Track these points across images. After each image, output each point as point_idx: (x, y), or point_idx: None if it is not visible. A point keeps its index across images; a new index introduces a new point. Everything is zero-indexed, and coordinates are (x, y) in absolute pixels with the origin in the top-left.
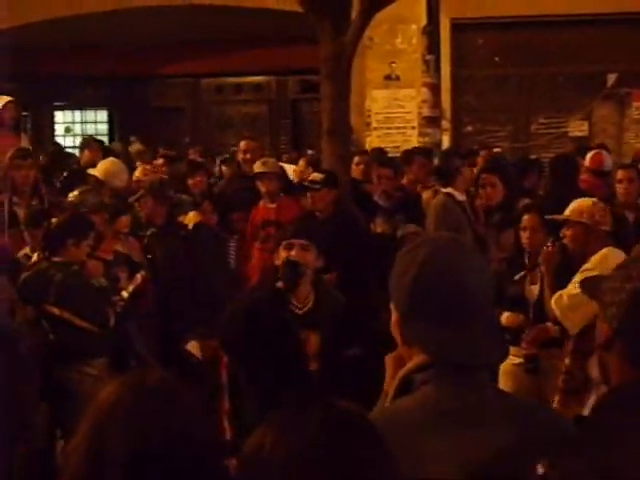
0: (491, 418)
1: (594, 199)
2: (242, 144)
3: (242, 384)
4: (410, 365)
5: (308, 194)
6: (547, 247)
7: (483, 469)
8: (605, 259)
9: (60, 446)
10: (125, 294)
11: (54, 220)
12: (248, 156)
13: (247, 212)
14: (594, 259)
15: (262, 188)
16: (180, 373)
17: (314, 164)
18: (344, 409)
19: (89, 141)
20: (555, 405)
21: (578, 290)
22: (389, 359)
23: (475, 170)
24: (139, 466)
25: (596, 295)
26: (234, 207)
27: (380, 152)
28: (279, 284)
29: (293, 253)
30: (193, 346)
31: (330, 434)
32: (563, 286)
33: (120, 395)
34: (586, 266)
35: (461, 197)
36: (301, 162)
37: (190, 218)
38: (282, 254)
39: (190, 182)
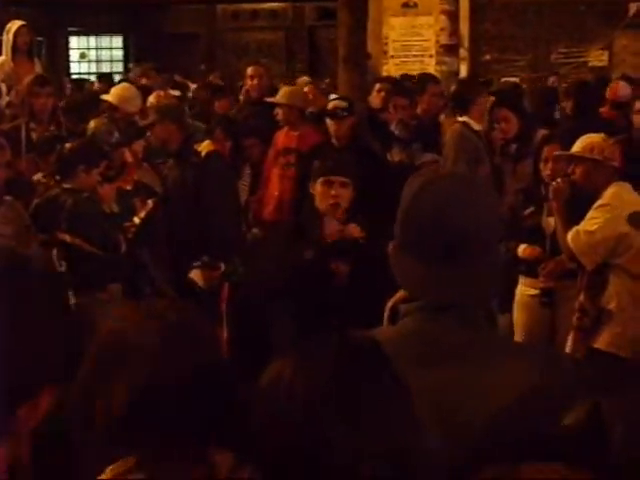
0: (473, 358)
1: (602, 134)
2: (249, 70)
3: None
4: (398, 295)
5: (330, 121)
6: (557, 182)
7: (454, 412)
8: (618, 194)
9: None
10: (137, 219)
11: (66, 146)
12: (255, 82)
13: (259, 138)
14: (607, 194)
15: (282, 117)
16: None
17: (327, 94)
18: (360, 340)
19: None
20: (569, 341)
21: (595, 226)
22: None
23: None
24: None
25: None
26: (246, 133)
27: (397, 82)
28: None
29: (333, 192)
30: (196, 275)
31: (347, 364)
32: (574, 221)
33: (145, 329)
34: (600, 202)
35: (477, 126)
36: (307, 89)
37: (204, 146)
38: (319, 188)
39: (216, 105)
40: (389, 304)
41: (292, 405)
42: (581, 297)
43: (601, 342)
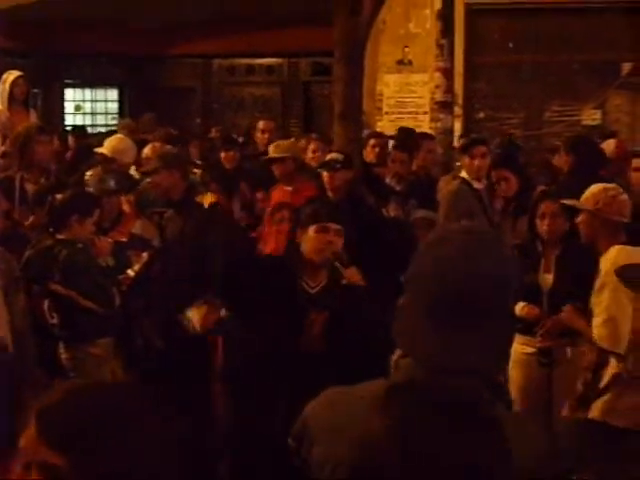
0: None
1: (608, 185)
2: (261, 124)
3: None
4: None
5: (326, 174)
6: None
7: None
8: (615, 261)
9: None
10: (131, 272)
11: (58, 197)
12: (266, 136)
13: (267, 191)
14: (603, 267)
15: (276, 172)
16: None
17: (322, 149)
18: None
19: None
20: (565, 409)
21: (605, 313)
22: None
23: (476, 161)
24: None
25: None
26: (257, 185)
27: (405, 134)
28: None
29: (329, 238)
30: (194, 313)
31: None
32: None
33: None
34: (598, 280)
35: (478, 184)
36: (313, 145)
37: (207, 198)
38: (312, 234)
39: (223, 156)
40: (394, 357)
41: None
42: (587, 374)
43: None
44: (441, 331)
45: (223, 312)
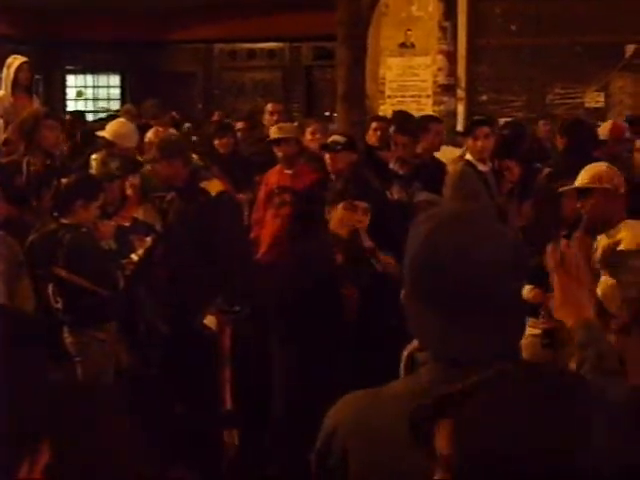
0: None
1: (606, 163)
2: (269, 106)
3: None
4: (415, 343)
5: (327, 155)
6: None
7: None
8: (633, 234)
9: None
10: (135, 257)
11: (63, 181)
12: (275, 118)
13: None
14: (622, 236)
15: (278, 153)
16: (186, 342)
17: (322, 132)
18: None
19: None
20: None
21: (610, 282)
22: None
23: (479, 142)
24: None
25: (616, 273)
26: (256, 169)
27: (403, 117)
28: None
29: (356, 217)
30: (211, 320)
31: None
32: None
33: None
34: (621, 246)
35: (483, 167)
36: (313, 126)
37: (214, 185)
38: (341, 212)
39: (217, 142)
40: (405, 352)
41: None
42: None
43: None
44: (447, 322)
45: (237, 308)
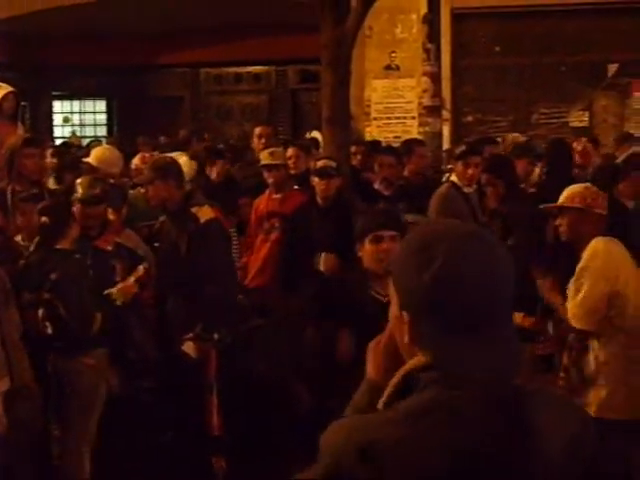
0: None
1: (586, 184)
2: (258, 130)
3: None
4: (415, 362)
5: (319, 180)
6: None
7: None
8: (595, 254)
9: (56, 435)
10: (114, 291)
11: (43, 206)
12: (263, 141)
13: (254, 198)
14: (586, 254)
15: (269, 179)
16: (174, 369)
17: (305, 152)
18: None
19: None
20: None
21: (581, 296)
22: (374, 345)
23: (470, 170)
24: None
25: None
26: (241, 192)
27: (375, 144)
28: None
29: (384, 246)
30: (189, 347)
31: None
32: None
33: None
34: (580, 265)
35: (468, 189)
36: (290, 151)
37: (205, 212)
38: (369, 247)
39: (208, 169)
40: (401, 371)
41: None
42: (564, 359)
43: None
44: (460, 338)
45: (216, 336)
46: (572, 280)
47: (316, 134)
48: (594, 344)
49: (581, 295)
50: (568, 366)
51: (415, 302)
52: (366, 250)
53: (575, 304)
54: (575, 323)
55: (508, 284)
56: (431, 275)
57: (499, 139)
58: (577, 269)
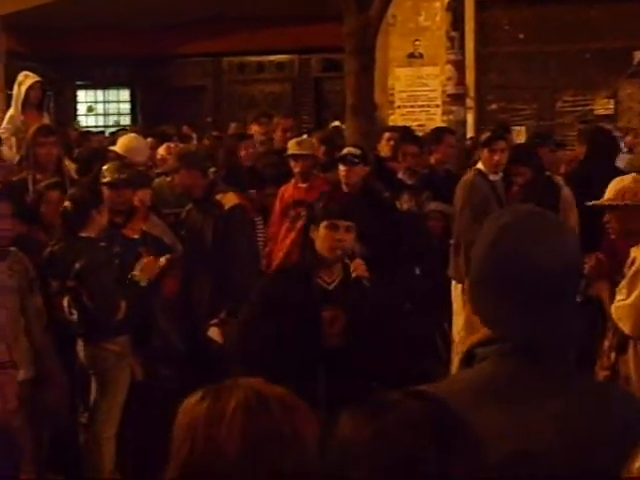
0: (555, 401)
1: (634, 175)
2: (282, 123)
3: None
4: (474, 338)
5: (342, 167)
6: (594, 258)
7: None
8: None
9: (83, 422)
10: (138, 274)
11: (69, 194)
12: (288, 135)
13: (279, 187)
14: (636, 254)
15: (296, 168)
16: (201, 357)
17: (327, 142)
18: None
19: None
20: None
21: (633, 298)
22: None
23: (496, 156)
24: None
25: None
26: (268, 181)
27: (406, 130)
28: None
29: (338, 236)
30: (214, 332)
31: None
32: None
33: None
34: (634, 268)
35: (494, 176)
36: (313, 140)
37: (229, 198)
38: (323, 232)
39: (243, 153)
40: (463, 347)
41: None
42: (612, 356)
43: None
44: (520, 309)
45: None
46: (624, 281)
47: (337, 124)
48: (635, 348)
49: (633, 298)
50: (610, 364)
51: (476, 270)
52: (320, 235)
53: (622, 305)
54: (621, 325)
55: (559, 264)
56: (486, 244)
57: (517, 128)
58: (630, 272)
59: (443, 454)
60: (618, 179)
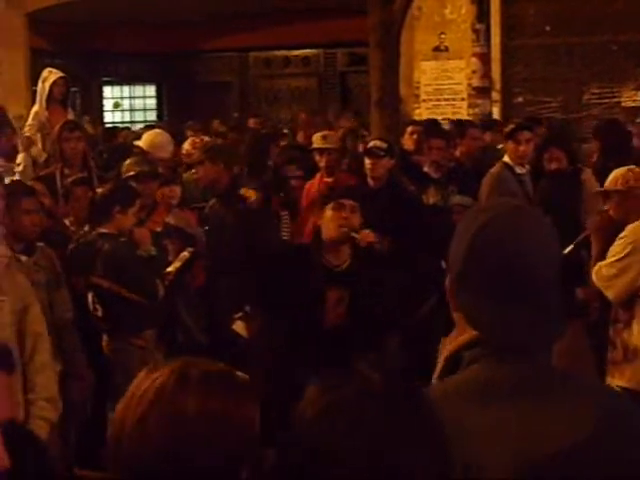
0: (544, 399)
1: (631, 166)
2: (305, 119)
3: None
4: (459, 341)
5: (368, 160)
6: (597, 216)
7: (534, 451)
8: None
9: (110, 417)
10: (172, 269)
11: (99, 190)
12: (312, 131)
13: (303, 181)
14: (629, 227)
15: (321, 163)
16: (226, 352)
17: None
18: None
19: None
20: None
21: (614, 259)
22: (448, 340)
23: (522, 147)
24: None
25: None
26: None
27: (433, 123)
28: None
29: (343, 214)
30: (239, 326)
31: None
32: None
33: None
34: (621, 234)
35: (520, 169)
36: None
37: (253, 192)
38: (329, 213)
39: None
40: (447, 350)
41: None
42: (611, 331)
43: (622, 379)
44: (497, 308)
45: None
46: (611, 250)
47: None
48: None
49: (612, 260)
50: (614, 339)
51: (455, 264)
52: (327, 216)
53: (602, 265)
54: (597, 283)
55: (540, 259)
56: (467, 240)
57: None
58: (618, 243)
59: (396, 426)
60: (620, 168)
